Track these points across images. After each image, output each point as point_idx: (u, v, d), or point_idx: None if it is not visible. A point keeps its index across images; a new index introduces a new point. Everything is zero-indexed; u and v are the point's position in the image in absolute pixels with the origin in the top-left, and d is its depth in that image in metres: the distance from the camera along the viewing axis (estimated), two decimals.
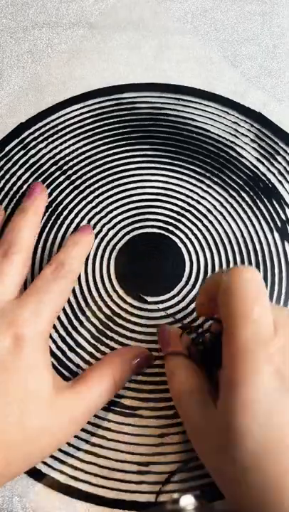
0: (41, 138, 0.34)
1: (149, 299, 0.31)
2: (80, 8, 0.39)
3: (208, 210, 0.33)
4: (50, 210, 0.33)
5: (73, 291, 0.31)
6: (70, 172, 0.34)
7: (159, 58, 0.37)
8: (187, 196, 0.33)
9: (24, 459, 0.24)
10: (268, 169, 0.34)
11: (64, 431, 0.25)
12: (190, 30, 0.38)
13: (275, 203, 0.33)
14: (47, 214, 0.33)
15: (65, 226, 0.32)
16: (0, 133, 0.34)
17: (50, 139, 0.34)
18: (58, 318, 0.30)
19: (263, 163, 0.34)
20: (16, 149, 0.34)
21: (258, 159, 0.34)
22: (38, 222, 0.30)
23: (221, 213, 0.33)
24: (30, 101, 0.36)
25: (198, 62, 0.37)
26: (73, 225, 0.32)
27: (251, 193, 0.33)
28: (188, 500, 0.25)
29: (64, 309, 0.30)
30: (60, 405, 0.25)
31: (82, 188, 0.33)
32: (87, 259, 0.32)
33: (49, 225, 0.32)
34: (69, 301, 0.31)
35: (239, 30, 0.38)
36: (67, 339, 0.30)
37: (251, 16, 0.39)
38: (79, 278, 0.31)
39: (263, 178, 0.34)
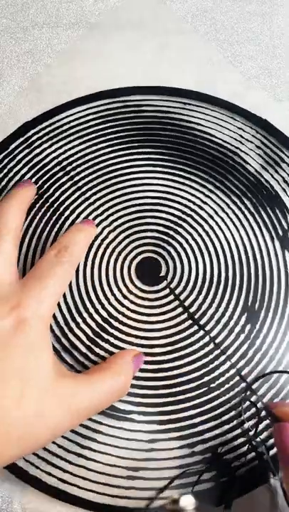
0: (46, 138, 0.34)
1: (148, 303, 0.31)
2: (80, 8, 0.38)
3: (210, 216, 0.33)
4: (52, 209, 0.33)
5: (71, 291, 0.31)
6: (73, 173, 0.34)
7: (159, 58, 0.37)
8: (189, 201, 0.33)
9: (18, 443, 0.23)
10: (272, 176, 0.33)
11: (60, 421, 0.24)
12: (190, 30, 0.38)
13: (277, 210, 0.33)
14: (48, 213, 0.33)
15: (66, 226, 0.32)
16: (0, 133, 0.35)
17: (54, 139, 0.34)
18: (54, 318, 0.30)
19: (266, 170, 0.34)
20: (20, 148, 0.34)
21: (262, 166, 0.34)
22: (24, 208, 0.31)
23: (223, 219, 0.33)
24: (30, 101, 0.36)
25: (198, 62, 0.37)
26: None
27: (254, 200, 0.33)
28: (188, 500, 0.25)
29: (61, 310, 0.31)
30: (59, 392, 0.24)
31: (84, 189, 0.33)
32: (86, 260, 0.32)
33: (50, 224, 0.32)
34: (66, 302, 0.31)
35: (239, 30, 0.38)
36: (63, 340, 0.30)
37: (251, 16, 0.38)
38: (77, 278, 0.31)
39: (266, 185, 0.33)
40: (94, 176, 0.33)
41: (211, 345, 0.30)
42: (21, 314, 0.25)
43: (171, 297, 0.31)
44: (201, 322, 0.30)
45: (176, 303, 0.31)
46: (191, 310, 0.31)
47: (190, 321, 0.31)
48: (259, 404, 0.29)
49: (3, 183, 0.33)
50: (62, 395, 0.24)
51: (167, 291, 0.31)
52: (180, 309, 0.31)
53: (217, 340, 0.30)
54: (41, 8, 0.38)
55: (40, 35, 0.38)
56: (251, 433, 0.29)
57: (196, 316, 0.31)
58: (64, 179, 0.33)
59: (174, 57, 0.37)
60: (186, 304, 0.31)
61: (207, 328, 0.30)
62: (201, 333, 0.30)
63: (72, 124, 0.35)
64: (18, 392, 0.23)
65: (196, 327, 0.30)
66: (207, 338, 0.30)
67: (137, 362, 0.29)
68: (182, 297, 0.31)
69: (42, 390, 0.24)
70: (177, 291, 0.31)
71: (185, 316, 0.31)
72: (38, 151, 0.34)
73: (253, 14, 0.38)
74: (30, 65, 0.37)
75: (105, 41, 0.37)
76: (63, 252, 0.27)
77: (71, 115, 0.35)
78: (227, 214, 0.33)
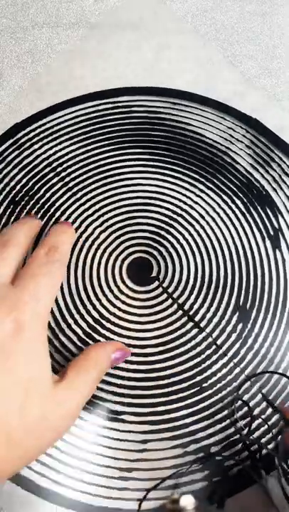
0: (36, 139, 0.34)
1: (139, 303, 0.31)
2: (80, 8, 0.39)
3: (201, 216, 0.33)
4: (42, 211, 0.33)
5: (62, 293, 0.31)
6: (63, 174, 0.33)
7: (159, 58, 0.37)
8: (180, 201, 0.33)
9: (21, 456, 0.23)
10: (262, 176, 0.33)
11: (62, 424, 0.24)
12: (190, 30, 0.38)
13: (268, 210, 0.33)
14: (39, 215, 0.33)
15: None
16: (1, 132, 0.34)
17: (44, 141, 0.34)
18: None
19: (257, 170, 0.34)
20: (10, 150, 0.34)
21: (252, 165, 0.34)
22: (36, 227, 0.30)
23: (214, 219, 0.33)
24: (30, 101, 0.36)
25: (198, 62, 0.37)
26: None
27: (244, 200, 0.33)
28: (188, 500, 0.25)
29: (52, 312, 0.30)
30: (59, 395, 0.24)
31: (74, 190, 0.33)
32: (77, 261, 0.32)
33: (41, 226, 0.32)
34: (57, 304, 0.31)
35: (239, 30, 0.38)
36: (54, 341, 0.30)
37: (251, 16, 0.39)
38: (68, 279, 0.31)
39: (257, 184, 0.33)
40: (84, 176, 0.33)
41: (203, 345, 0.30)
42: (20, 315, 0.24)
43: (164, 297, 0.31)
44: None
45: (169, 302, 0.31)
46: (185, 308, 0.31)
47: (185, 318, 0.31)
48: (251, 404, 0.29)
49: None
50: (62, 398, 0.24)
51: (159, 291, 0.31)
52: (173, 308, 0.31)
53: (209, 340, 0.30)
54: (41, 8, 0.38)
55: (40, 35, 0.38)
56: (244, 432, 0.29)
57: (188, 314, 0.31)
58: (54, 180, 0.33)
59: (173, 57, 0.37)
60: (179, 302, 0.31)
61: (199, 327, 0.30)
62: (193, 332, 0.30)
63: (62, 125, 0.35)
64: (20, 399, 0.23)
65: (188, 326, 0.30)
66: (199, 338, 0.30)
67: (120, 356, 0.29)
68: (174, 296, 0.31)
69: (43, 395, 0.24)
70: (169, 291, 0.31)
71: (179, 313, 0.31)
72: (27, 152, 0.34)
73: (253, 14, 0.38)
74: (30, 65, 0.37)
75: (105, 41, 0.37)
76: (53, 252, 0.27)
77: (61, 116, 0.35)
78: (218, 214, 0.33)
